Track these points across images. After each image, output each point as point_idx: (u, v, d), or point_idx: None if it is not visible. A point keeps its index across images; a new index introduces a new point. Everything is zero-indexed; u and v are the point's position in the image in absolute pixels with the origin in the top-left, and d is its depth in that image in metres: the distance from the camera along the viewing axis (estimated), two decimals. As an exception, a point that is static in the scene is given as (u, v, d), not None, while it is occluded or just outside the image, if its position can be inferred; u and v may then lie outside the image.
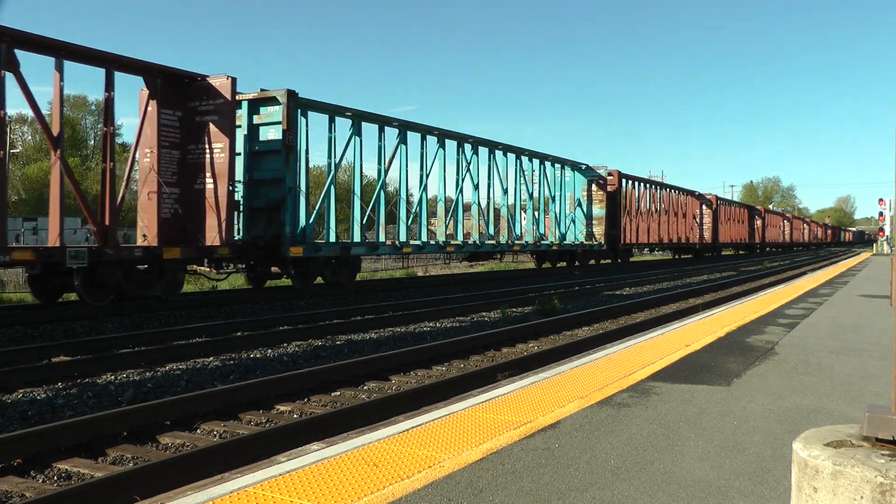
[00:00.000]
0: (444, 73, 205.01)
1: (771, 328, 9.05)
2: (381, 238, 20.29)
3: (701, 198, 51.49)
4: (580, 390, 5.28)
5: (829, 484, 2.22)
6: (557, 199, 30.81)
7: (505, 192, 26.40)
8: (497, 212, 26.84)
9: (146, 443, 5.80)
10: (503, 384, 5.56)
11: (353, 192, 18.96)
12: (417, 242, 21.52)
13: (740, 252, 67.52)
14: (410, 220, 21.35)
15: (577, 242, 31.66)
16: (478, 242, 24.58)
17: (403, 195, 21.14)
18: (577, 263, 31.99)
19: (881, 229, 58.15)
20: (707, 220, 51.84)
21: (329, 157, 18.25)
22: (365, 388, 7.90)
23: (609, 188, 33.99)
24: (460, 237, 24.37)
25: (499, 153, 26.17)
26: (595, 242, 33.02)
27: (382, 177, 20.19)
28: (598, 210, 33.46)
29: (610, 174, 34.32)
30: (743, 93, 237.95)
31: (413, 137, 21.19)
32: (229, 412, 6.64)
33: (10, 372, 7.83)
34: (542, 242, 28.70)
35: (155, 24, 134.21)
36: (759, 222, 69.01)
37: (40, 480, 4.94)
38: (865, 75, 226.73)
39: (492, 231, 25.98)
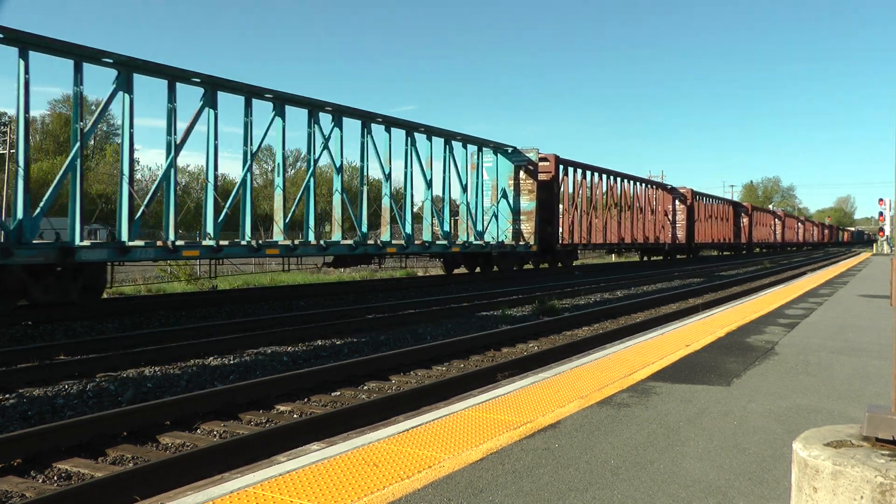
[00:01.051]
0: (443, 73, 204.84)
1: (771, 328, 9.05)
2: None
3: (674, 192, 45.16)
4: (580, 390, 5.28)
5: (829, 484, 2.22)
6: (473, 189, 24.77)
7: (388, 177, 20.13)
8: (392, 204, 21.00)
9: (146, 443, 5.80)
10: (503, 384, 5.56)
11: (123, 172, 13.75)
12: (226, 242, 15.30)
13: (724, 253, 61.81)
14: (223, 215, 15.24)
15: (492, 242, 24.76)
16: (351, 244, 18.45)
17: (211, 180, 15.15)
18: (496, 268, 25.87)
19: (881, 229, 58.10)
20: (681, 217, 45.67)
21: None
22: (365, 388, 7.90)
23: (542, 176, 27.70)
24: (338, 237, 18.96)
25: (377, 128, 19.66)
26: (521, 242, 26.24)
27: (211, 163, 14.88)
28: (528, 202, 26.70)
29: (544, 159, 27.90)
30: (743, 93, 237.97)
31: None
32: (229, 412, 6.64)
33: (10, 372, 7.84)
34: (438, 243, 22.06)
35: (168, 30, 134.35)
36: (745, 220, 62.47)
37: (40, 480, 4.94)
38: (866, 75, 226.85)
39: (387, 230, 20.98)
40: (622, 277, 26.04)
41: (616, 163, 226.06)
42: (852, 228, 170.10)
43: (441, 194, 23.23)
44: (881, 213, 55.89)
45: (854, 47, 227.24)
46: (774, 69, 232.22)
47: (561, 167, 29.15)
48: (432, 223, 22.48)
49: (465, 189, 24.04)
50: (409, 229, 20.93)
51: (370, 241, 19.57)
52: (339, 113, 18.18)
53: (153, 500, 3.14)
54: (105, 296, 15.85)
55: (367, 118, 19.08)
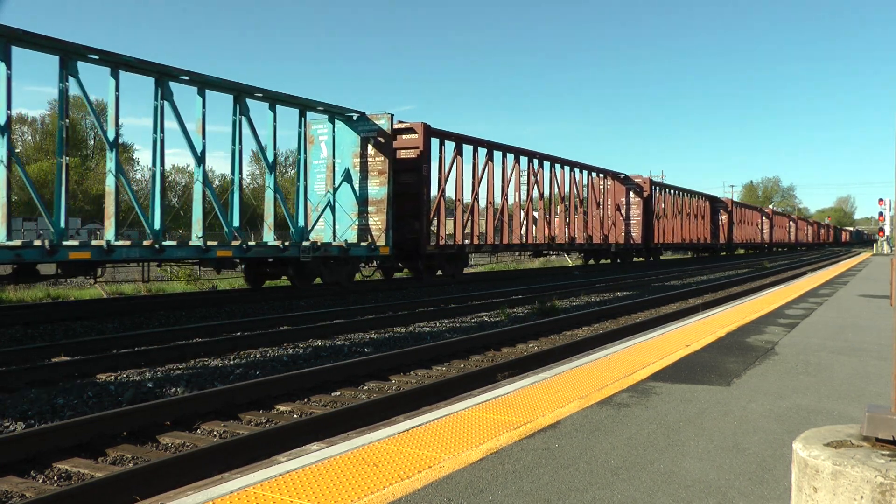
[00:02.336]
0: (443, 73, 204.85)
1: (771, 328, 9.05)
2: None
3: (627, 182, 37.52)
4: (580, 390, 5.27)
5: (829, 484, 2.22)
6: (302, 169, 18.11)
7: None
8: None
9: (146, 443, 5.80)
10: (503, 384, 5.56)
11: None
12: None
13: (700, 255, 54.03)
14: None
15: (307, 244, 17.00)
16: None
17: None
18: (323, 281, 18.37)
19: (881, 229, 58.08)
20: (636, 212, 38.33)
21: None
22: (365, 388, 7.90)
23: (405, 153, 20.69)
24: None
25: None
26: (368, 243, 19.03)
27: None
28: (377, 189, 19.32)
29: (407, 130, 20.76)
30: (743, 93, 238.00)
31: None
32: (229, 412, 6.64)
33: (10, 372, 7.84)
34: (191, 245, 14.86)
35: (166, 29, 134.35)
36: (723, 218, 55.53)
37: (40, 480, 4.94)
38: (866, 75, 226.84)
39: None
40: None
41: (616, 163, 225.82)
42: (851, 228, 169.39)
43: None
44: (881, 213, 55.87)
45: (854, 47, 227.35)
46: (774, 69, 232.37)
47: (436, 141, 21.86)
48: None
49: (271, 169, 17.37)
50: (157, 224, 14.31)
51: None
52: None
53: (153, 500, 3.14)
54: (105, 296, 15.85)
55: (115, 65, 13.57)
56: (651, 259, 41.61)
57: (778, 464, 3.64)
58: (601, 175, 35.02)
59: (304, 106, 17.77)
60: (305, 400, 7.27)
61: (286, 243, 17.06)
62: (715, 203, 53.96)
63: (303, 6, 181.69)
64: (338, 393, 7.61)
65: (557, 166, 30.01)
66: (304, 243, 17.11)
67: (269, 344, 10.42)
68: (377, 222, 19.50)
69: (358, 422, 5.87)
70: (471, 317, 14.09)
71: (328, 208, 19.13)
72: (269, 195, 17.46)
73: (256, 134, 16.65)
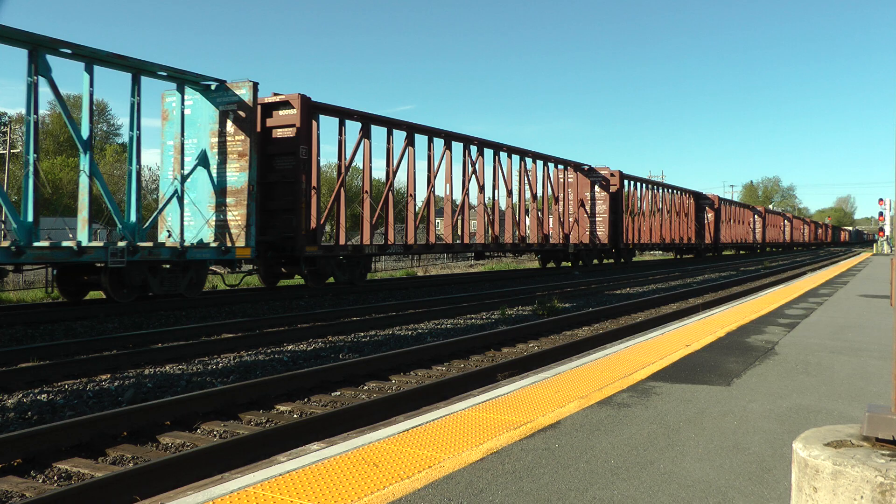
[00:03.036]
0: (442, 73, 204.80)
1: (771, 328, 9.05)
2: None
3: (592, 175, 33.28)
4: (580, 390, 5.27)
5: (829, 484, 2.22)
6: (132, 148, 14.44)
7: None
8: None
9: (146, 443, 5.80)
10: (503, 384, 5.56)
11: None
12: None
13: (683, 256, 50.14)
14: None
15: (129, 245, 13.51)
16: None
17: None
18: (153, 292, 14.47)
19: (881, 229, 58.09)
20: (602, 208, 33.55)
21: None
22: (365, 388, 7.90)
23: (279, 132, 17.48)
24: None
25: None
26: (219, 244, 15.43)
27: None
28: (237, 175, 15.69)
29: (282, 105, 17.34)
30: (743, 93, 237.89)
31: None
32: (229, 412, 6.64)
33: (11, 372, 7.83)
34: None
35: (175, 33, 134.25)
36: (710, 216, 50.61)
37: (40, 480, 4.94)
38: (865, 75, 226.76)
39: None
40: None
41: (616, 162, 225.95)
42: (850, 228, 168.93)
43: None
44: (881, 213, 55.90)
45: (854, 47, 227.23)
46: (774, 69, 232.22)
47: (334, 121, 18.53)
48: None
49: (84, 148, 13.68)
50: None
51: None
52: None
53: (153, 500, 3.14)
54: (104, 296, 15.84)
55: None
56: (622, 261, 36.74)
57: (778, 464, 3.64)
58: (560, 166, 31.16)
59: (137, 69, 14.18)
60: (305, 400, 7.27)
61: (90, 245, 13.20)
62: (700, 200, 49.44)
63: (302, 6, 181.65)
64: (338, 393, 7.61)
65: (504, 154, 26.43)
66: (120, 244, 13.58)
67: (269, 344, 10.41)
68: (236, 217, 15.64)
69: (358, 422, 5.87)
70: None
71: (175, 200, 15.47)
72: (83, 181, 13.93)
73: (62, 99, 13.32)
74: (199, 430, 6.19)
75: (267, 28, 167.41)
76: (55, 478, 5.00)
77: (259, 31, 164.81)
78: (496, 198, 26.19)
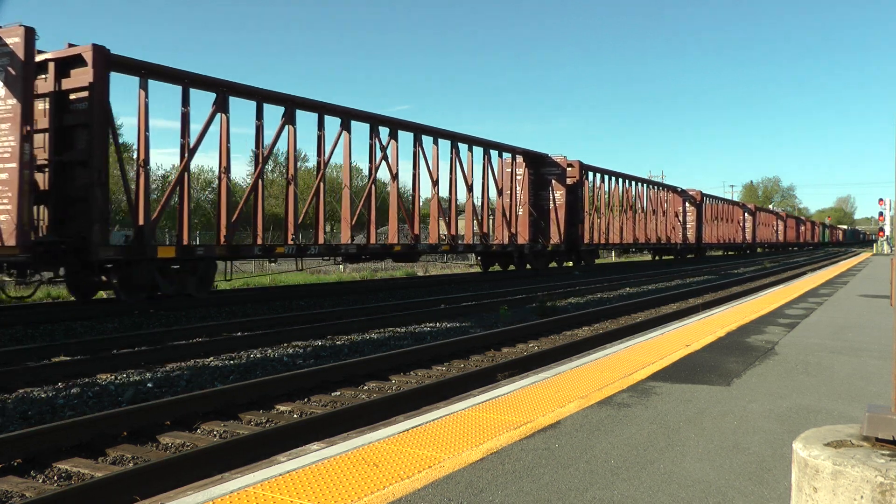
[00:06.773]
0: (440, 72, 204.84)
1: (771, 328, 9.05)
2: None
3: (545, 164, 28.73)
4: (580, 390, 5.27)
5: (829, 484, 2.22)
6: None
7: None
8: None
9: (146, 443, 5.80)
10: (503, 384, 5.56)
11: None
12: None
13: (662, 258, 46.04)
14: None
15: None
16: None
17: None
18: None
19: (881, 229, 58.12)
20: (560, 203, 28.78)
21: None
22: (365, 388, 7.90)
23: (76, 95, 13.42)
24: None
25: None
26: None
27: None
28: (9, 151, 11.86)
29: (76, 58, 13.25)
30: (743, 92, 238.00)
31: None
32: (229, 412, 6.64)
33: (10, 372, 7.83)
34: None
35: (176, 29, 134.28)
36: (691, 213, 46.20)
37: (40, 480, 4.94)
38: (866, 75, 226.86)
39: None
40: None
41: (616, 163, 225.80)
42: (844, 227, 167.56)
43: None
44: (881, 213, 55.94)
45: (854, 47, 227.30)
46: (774, 69, 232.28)
47: (155, 84, 14.56)
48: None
49: None
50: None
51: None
52: None
53: (153, 500, 3.14)
54: (104, 296, 15.84)
55: None
56: (582, 263, 32.36)
57: (778, 464, 3.64)
58: (506, 155, 26.73)
59: None
60: (305, 400, 7.27)
61: None
62: (680, 195, 45.13)
63: (302, 6, 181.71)
64: (338, 393, 7.61)
65: (427, 139, 21.93)
66: None
67: (269, 344, 10.41)
68: (5, 205, 11.87)
69: (358, 422, 5.86)
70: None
71: None
72: None
73: None
74: (199, 430, 6.19)
75: (266, 28, 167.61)
76: (55, 478, 5.00)
77: (259, 30, 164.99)
78: (416, 189, 21.79)
